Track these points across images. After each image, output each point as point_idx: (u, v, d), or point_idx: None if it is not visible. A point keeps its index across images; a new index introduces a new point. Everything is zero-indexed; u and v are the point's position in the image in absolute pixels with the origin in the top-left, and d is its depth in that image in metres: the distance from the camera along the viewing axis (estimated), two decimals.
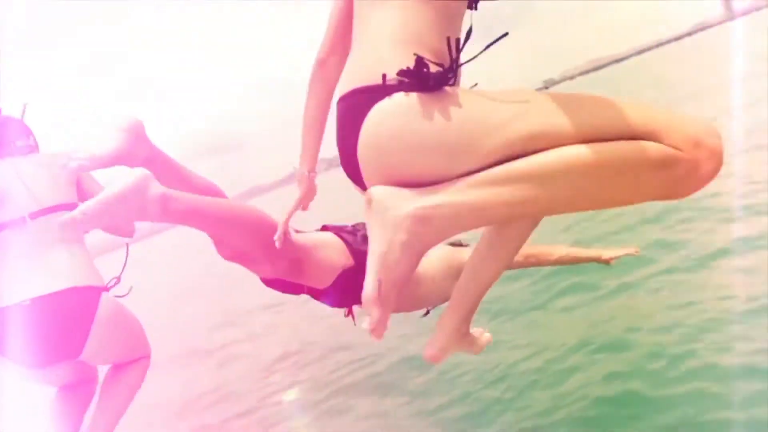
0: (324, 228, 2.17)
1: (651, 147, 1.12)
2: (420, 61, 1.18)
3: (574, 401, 4.33)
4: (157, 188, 1.53)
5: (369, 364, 7.21)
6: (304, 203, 1.91)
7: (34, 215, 2.21)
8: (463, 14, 1.35)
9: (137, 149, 1.77)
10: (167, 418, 8.44)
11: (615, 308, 5.51)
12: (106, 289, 2.33)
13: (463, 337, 1.60)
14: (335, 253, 2.01)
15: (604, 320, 5.27)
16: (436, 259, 2.30)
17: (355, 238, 2.10)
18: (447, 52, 1.23)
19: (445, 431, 4.86)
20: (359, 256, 1.95)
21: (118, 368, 2.46)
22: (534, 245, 2.59)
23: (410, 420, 5.30)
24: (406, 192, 1.19)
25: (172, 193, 1.57)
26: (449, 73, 1.22)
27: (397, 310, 2.18)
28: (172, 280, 32.51)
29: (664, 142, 1.14)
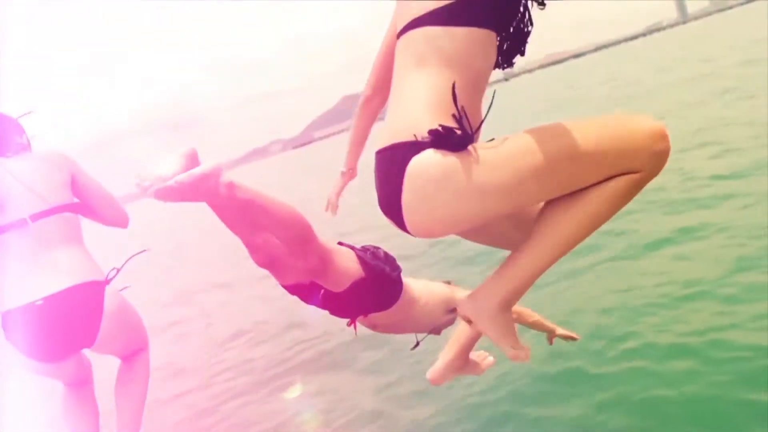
0: (339, 244, 2.31)
1: (625, 188, 1.43)
2: (450, 127, 1.38)
3: (518, 378, 4.53)
4: (226, 176, 1.70)
5: (321, 343, 7.30)
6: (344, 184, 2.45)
7: (35, 217, 2.24)
8: (489, 75, 1.55)
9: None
10: None
11: (561, 292, 5.75)
12: (108, 281, 2.41)
13: (463, 365, 2.07)
14: (352, 263, 2.17)
15: (551, 302, 5.48)
16: (435, 290, 2.54)
17: (365, 254, 2.25)
18: (473, 111, 1.47)
19: (394, 407, 4.98)
20: (370, 269, 2.18)
21: (127, 365, 2.58)
22: (520, 306, 2.75)
23: (361, 396, 5.42)
24: (482, 300, 1.60)
25: (237, 180, 1.74)
26: (472, 137, 1.41)
27: (390, 331, 2.52)
28: (124, 258, 31.78)
29: (627, 167, 1.41)
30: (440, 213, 1.43)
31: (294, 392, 7.65)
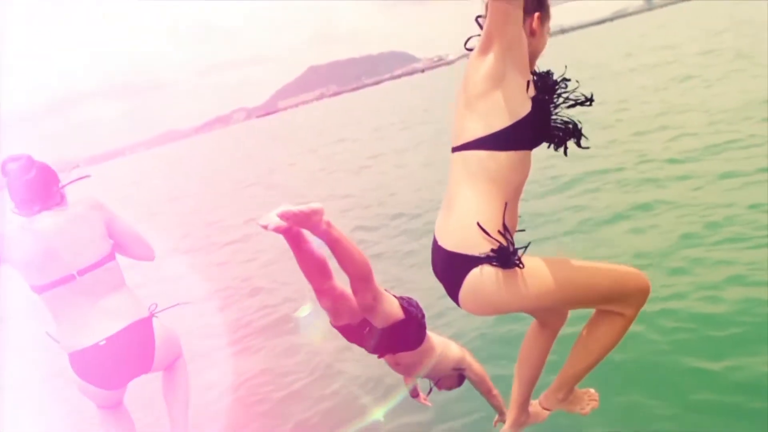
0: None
1: (621, 330, 2.03)
2: (501, 248, 1.80)
3: (471, 341, 4.73)
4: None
5: (281, 308, 7.40)
6: None
7: (82, 272, 2.48)
8: (525, 181, 1.93)
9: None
10: None
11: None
12: (153, 315, 2.73)
13: (525, 422, 2.54)
14: (394, 306, 2.58)
15: None
16: (451, 347, 2.97)
17: (403, 301, 2.67)
18: (513, 216, 1.92)
19: (352, 367, 5.12)
20: (408, 313, 2.62)
21: (169, 374, 2.88)
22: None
23: (322, 356, 5.53)
24: (551, 398, 2.38)
25: (331, 222, 2.32)
26: (517, 258, 1.82)
27: (407, 371, 2.91)
28: None
29: (618, 302, 1.95)
30: (487, 308, 1.91)
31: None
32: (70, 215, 2.50)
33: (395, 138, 22.75)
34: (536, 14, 1.90)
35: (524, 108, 1.83)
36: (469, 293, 1.84)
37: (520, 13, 1.78)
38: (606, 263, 1.97)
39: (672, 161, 8.17)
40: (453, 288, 1.89)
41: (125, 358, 2.55)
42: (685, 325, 4.20)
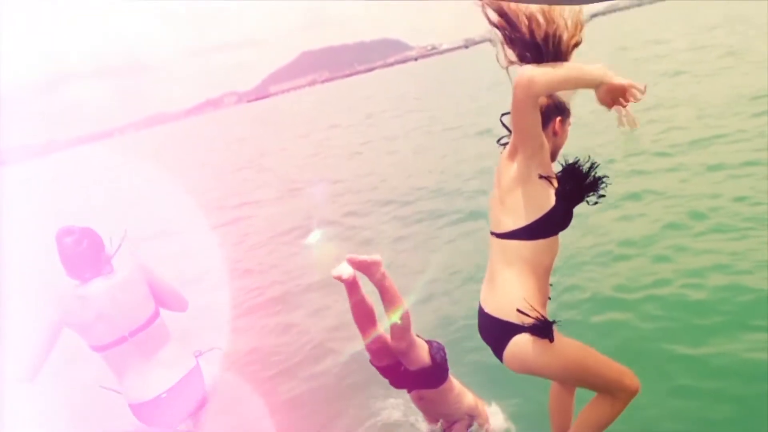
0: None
1: (615, 412, 2.29)
2: (541, 322, 2.13)
3: (459, 329, 4.80)
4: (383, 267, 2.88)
5: (270, 291, 7.47)
6: None
7: (133, 333, 2.71)
8: (554, 259, 2.24)
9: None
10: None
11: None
12: (201, 354, 3.06)
13: None
14: (425, 351, 3.03)
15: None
16: (468, 394, 3.32)
17: (431, 347, 3.08)
18: (544, 291, 2.24)
19: (342, 346, 5.20)
20: (434, 360, 3.03)
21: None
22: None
23: (312, 335, 5.61)
24: None
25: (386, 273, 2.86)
26: (550, 329, 2.14)
27: (428, 406, 3.25)
28: (76, 198, 30.92)
29: (615, 390, 2.24)
30: (526, 370, 2.23)
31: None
32: (118, 281, 2.71)
33: (387, 125, 22.73)
34: (557, 119, 2.23)
35: (548, 203, 2.14)
36: (512, 356, 2.20)
37: (539, 129, 2.08)
38: (611, 360, 2.31)
39: (661, 154, 8.29)
40: (496, 349, 2.25)
41: (184, 404, 2.84)
42: (669, 312, 4.29)
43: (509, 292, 2.17)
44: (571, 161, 2.25)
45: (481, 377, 3.71)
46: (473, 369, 3.89)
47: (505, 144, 2.28)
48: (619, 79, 1.99)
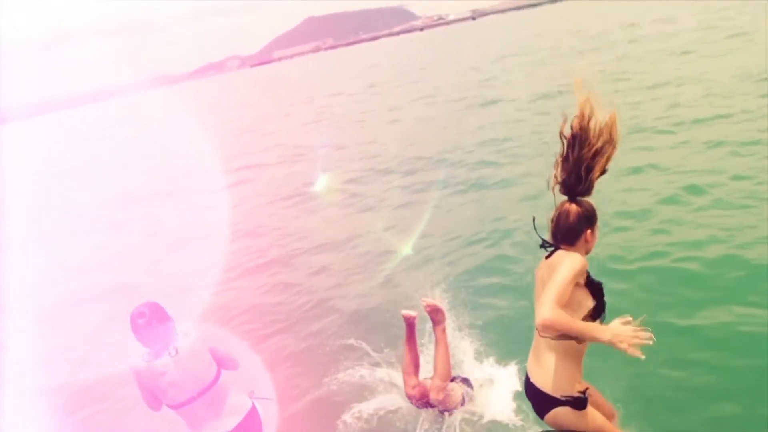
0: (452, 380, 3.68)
1: None
2: (577, 398, 2.55)
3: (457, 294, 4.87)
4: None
5: (270, 252, 7.56)
6: None
7: (201, 393, 3.12)
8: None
9: None
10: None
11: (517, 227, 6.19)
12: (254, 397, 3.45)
13: None
14: (457, 399, 3.53)
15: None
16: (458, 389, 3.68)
17: (464, 392, 3.59)
18: (578, 369, 2.59)
19: (342, 304, 5.31)
20: (463, 403, 3.54)
21: None
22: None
23: (312, 294, 5.73)
24: None
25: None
26: (585, 404, 2.57)
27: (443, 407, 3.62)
28: (64, 159, 30.83)
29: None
30: (562, 428, 2.63)
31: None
32: (185, 351, 3.09)
33: (390, 95, 22.60)
34: (588, 231, 2.49)
35: (585, 306, 2.46)
36: (552, 420, 2.64)
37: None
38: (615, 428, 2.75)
39: (665, 131, 8.30)
40: (539, 411, 2.69)
41: None
42: (663, 284, 4.36)
43: (554, 372, 2.57)
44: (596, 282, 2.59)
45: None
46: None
47: (545, 246, 2.57)
48: (622, 346, 2.21)
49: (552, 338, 2.48)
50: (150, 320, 3.03)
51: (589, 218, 2.49)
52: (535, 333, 2.61)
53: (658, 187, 6.12)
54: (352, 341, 4.44)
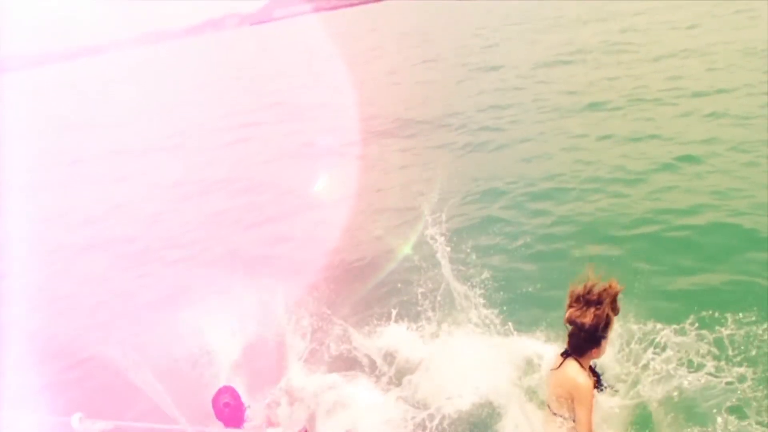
0: None
1: None
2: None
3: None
4: None
5: (268, 209, 7.62)
6: None
7: None
8: None
9: None
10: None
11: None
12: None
13: None
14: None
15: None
16: None
17: None
18: None
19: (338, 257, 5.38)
20: None
21: None
22: None
23: (317, 243, 5.83)
24: None
25: None
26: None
27: None
28: (57, 112, 30.58)
29: None
30: None
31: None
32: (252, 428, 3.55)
33: (391, 58, 22.37)
34: (603, 342, 2.73)
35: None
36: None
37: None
38: None
39: (666, 103, 8.30)
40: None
41: None
42: (656, 249, 4.42)
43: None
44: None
45: None
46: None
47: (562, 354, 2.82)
48: None
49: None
50: (234, 409, 3.56)
51: (605, 326, 2.70)
52: (546, 408, 2.96)
53: (655, 153, 6.19)
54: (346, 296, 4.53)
